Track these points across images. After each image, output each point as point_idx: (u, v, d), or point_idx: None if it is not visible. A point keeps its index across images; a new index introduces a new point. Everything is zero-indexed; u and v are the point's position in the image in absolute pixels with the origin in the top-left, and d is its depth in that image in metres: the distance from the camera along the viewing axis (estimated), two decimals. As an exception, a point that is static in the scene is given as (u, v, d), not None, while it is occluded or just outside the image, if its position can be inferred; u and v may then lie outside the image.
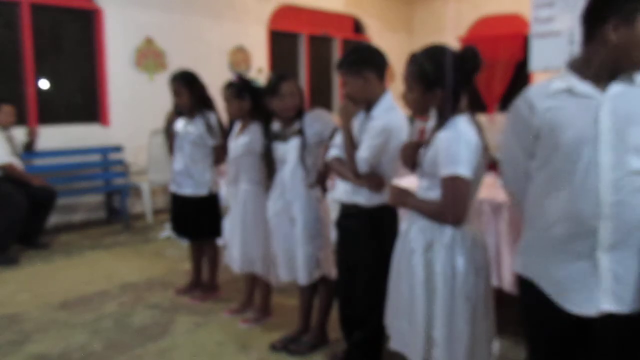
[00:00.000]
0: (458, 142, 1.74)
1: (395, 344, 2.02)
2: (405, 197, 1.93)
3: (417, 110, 1.92)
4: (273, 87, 2.66)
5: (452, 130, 1.76)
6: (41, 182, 4.79)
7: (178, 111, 3.46)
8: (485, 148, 1.81)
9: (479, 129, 1.83)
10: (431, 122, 1.95)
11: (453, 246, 1.81)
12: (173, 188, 3.53)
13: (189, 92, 3.36)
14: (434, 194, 1.84)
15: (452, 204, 1.75)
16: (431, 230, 1.84)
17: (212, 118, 3.38)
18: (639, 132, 1.44)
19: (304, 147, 2.64)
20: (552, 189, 1.56)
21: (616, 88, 1.49)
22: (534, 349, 1.73)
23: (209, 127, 3.35)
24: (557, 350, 1.65)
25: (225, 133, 3.35)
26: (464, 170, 1.72)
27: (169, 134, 3.52)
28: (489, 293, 1.90)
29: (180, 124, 3.43)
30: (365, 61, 2.31)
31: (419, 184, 1.95)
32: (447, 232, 1.81)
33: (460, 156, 1.72)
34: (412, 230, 1.92)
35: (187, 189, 3.44)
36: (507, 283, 2.65)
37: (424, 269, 1.85)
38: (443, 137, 1.77)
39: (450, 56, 1.81)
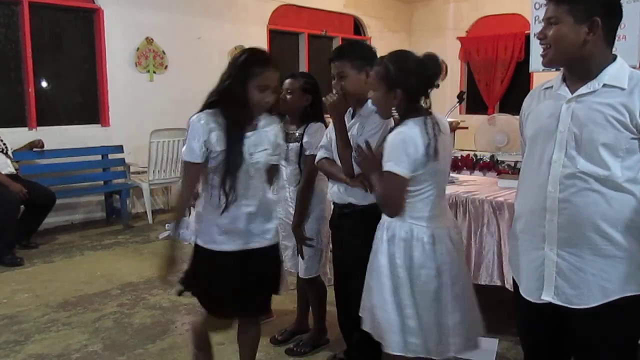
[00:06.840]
0: (397, 141, 1.83)
1: (370, 331, 2.04)
2: (378, 166, 1.91)
3: (380, 109, 1.99)
4: None
5: (397, 131, 1.86)
6: (20, 192, 4.44)
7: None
8: (435, 149, 1.83)
9: (437, 130, 1.87)
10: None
11: (410, 240, 1.89)
12: None
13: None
14: None
15: (383, 197, 1.89)
16: (392, 225, 1.93)
17: None
18: (591, 134, 1.47)
19: (298, 154, 2.68)
20: (521, 181, 1.70)
21: (582, 90, 1.52)
22: (520, 334, 1.84)
23: None
24: (531, 335, 1.74)
25: None
26: (397, 167, 1.81)
27: None
28: (464, 288, 1.95)
29: None
30: (367, 59, 2.31)
31: None
32: (405, 226, 1.90)
33: (395, 154, 1.82)
34: (379, 228, 2.01)
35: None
36: (510, 283, 2.64)
37: (388, 261, 1.92)
38: (388, 137, 1.88)
39: (413, 61, 1.92)
